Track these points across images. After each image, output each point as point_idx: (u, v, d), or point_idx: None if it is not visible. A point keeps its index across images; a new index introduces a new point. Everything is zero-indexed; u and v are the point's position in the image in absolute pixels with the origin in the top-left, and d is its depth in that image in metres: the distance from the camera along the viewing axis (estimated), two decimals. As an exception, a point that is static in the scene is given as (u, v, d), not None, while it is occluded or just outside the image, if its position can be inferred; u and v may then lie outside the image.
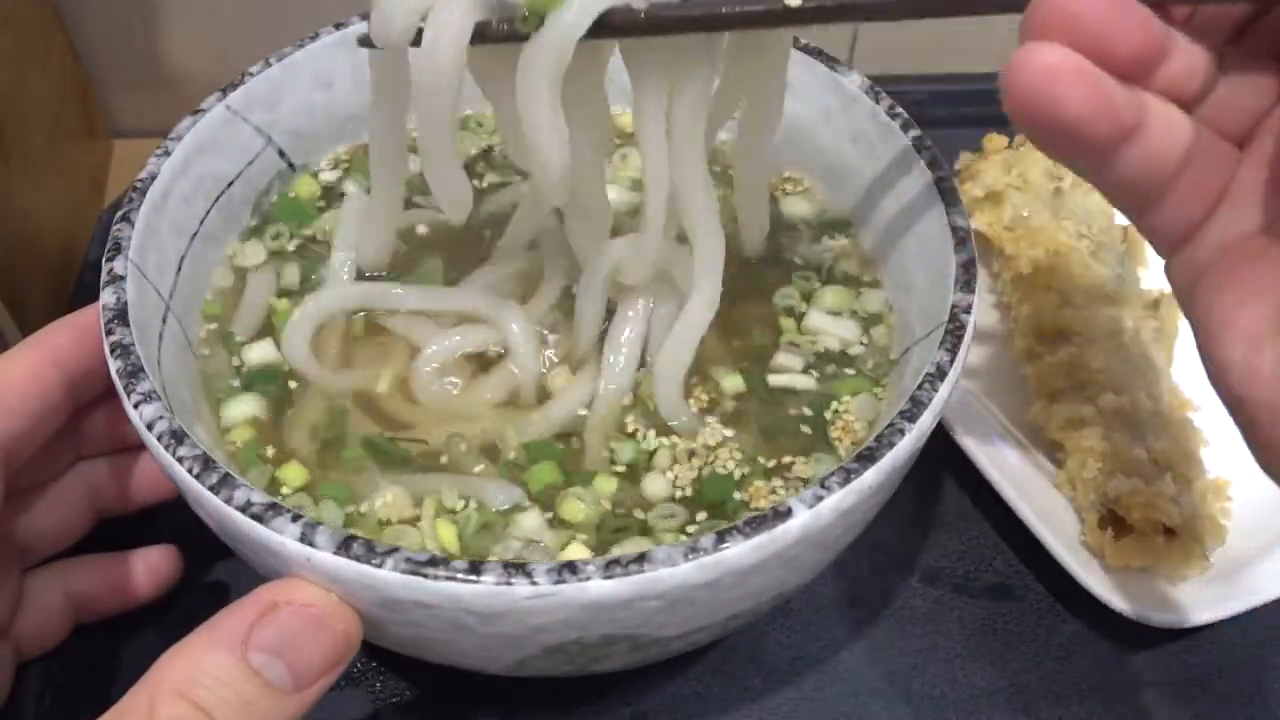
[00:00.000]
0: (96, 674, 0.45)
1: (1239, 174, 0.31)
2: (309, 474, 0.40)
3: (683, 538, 0.38)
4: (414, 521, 0.39)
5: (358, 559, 0.30)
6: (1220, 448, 0.49)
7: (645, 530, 0.39)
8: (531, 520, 0.39)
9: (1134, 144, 0.30)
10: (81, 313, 0.40)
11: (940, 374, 0.36)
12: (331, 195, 0.49)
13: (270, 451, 0.41)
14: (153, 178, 0.41)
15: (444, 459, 0.40)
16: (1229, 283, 0.31)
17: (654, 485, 0.40)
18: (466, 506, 0.39)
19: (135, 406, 0.35)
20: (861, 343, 0.45)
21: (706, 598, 0.32)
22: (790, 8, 0.34)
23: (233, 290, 0.45)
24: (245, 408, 0.42)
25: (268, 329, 0.44)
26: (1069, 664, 0.47)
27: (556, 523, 0.39)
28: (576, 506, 0.39)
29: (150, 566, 0.45)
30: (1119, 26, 0.29)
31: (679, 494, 0.40)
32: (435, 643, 0.34)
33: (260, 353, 0.43)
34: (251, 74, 0.46)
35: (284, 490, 0.40)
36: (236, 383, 0.42)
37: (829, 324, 0.45)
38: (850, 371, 0.44)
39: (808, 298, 0.46)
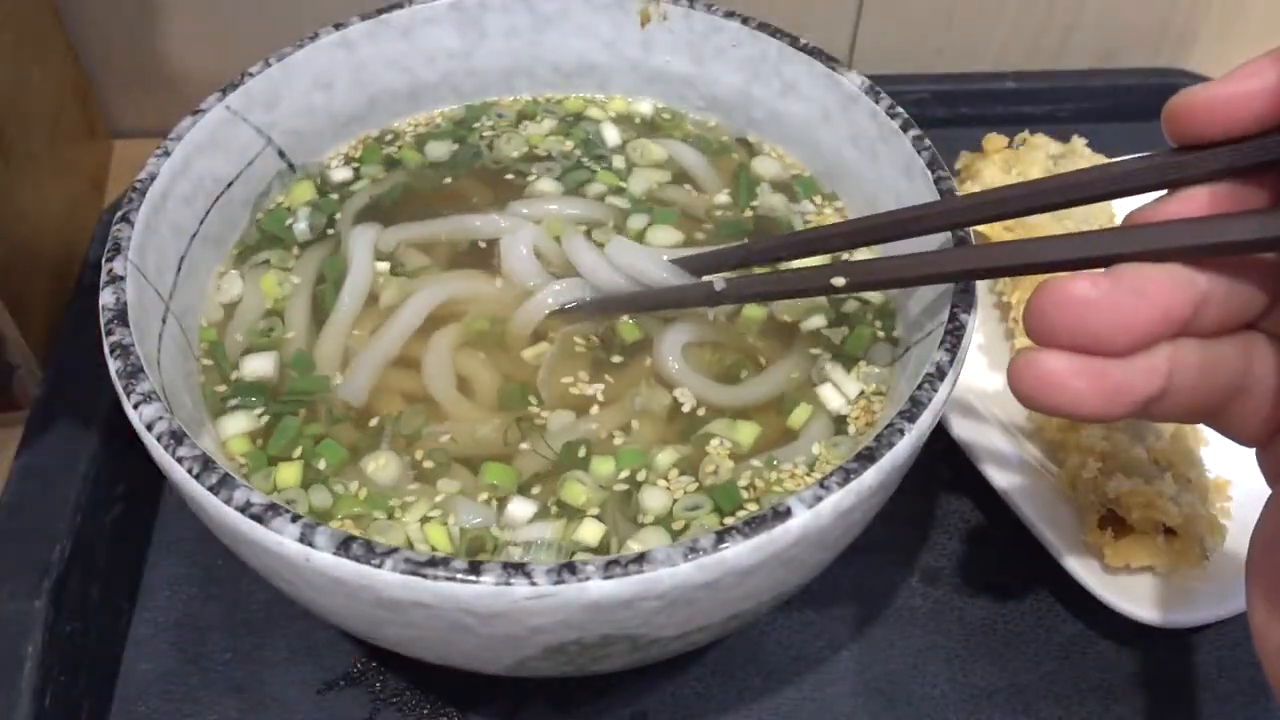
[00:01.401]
0: (96, 673, 0.45)
1: None
2: (302, 469, 0.40)
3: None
4: (397, 512, 0.39)
5: (357, 559, 0.30)
6: (1220, 448, 0.49)
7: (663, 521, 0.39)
8: (524, 514, 0.39)
9: (1164, 400, 0.30)
10: None
11: (940, 374, 0.36)
12: (340, 190, 0.49)
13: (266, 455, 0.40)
14: (152, 178, 0.41)
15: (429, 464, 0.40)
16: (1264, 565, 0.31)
17: (652, 499, 0.40)
18: (446, 520, 0.39)
19: (135, 407, 0.35)
20: (856, 299, 0.45)
21: (706, 598, 0.32)
22: (718, 292, 0.42)
23: (222, 322, 0.45)
24: (241, 419, 0.41)
25: (262, 345, 0.44)
26: (1069, 664, 0.47)
27: (558, 508, 0.39)
28: (578, 489, 0.39)
29: None
30: (1119, 320, 0.28)
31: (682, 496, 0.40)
32: (434, 643, 0.34)
33: (255, 366, 0.43)
34: (251, 74, 0.46)
35: (278, 484, 0.40)
36: (232, 396, 0.42)
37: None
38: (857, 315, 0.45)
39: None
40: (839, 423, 0.42)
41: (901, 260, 0.38)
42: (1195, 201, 0.30)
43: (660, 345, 0.44)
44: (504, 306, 0.45)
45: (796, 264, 0.44)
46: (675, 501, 0.39)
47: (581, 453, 0.40)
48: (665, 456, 0.40)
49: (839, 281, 0.38)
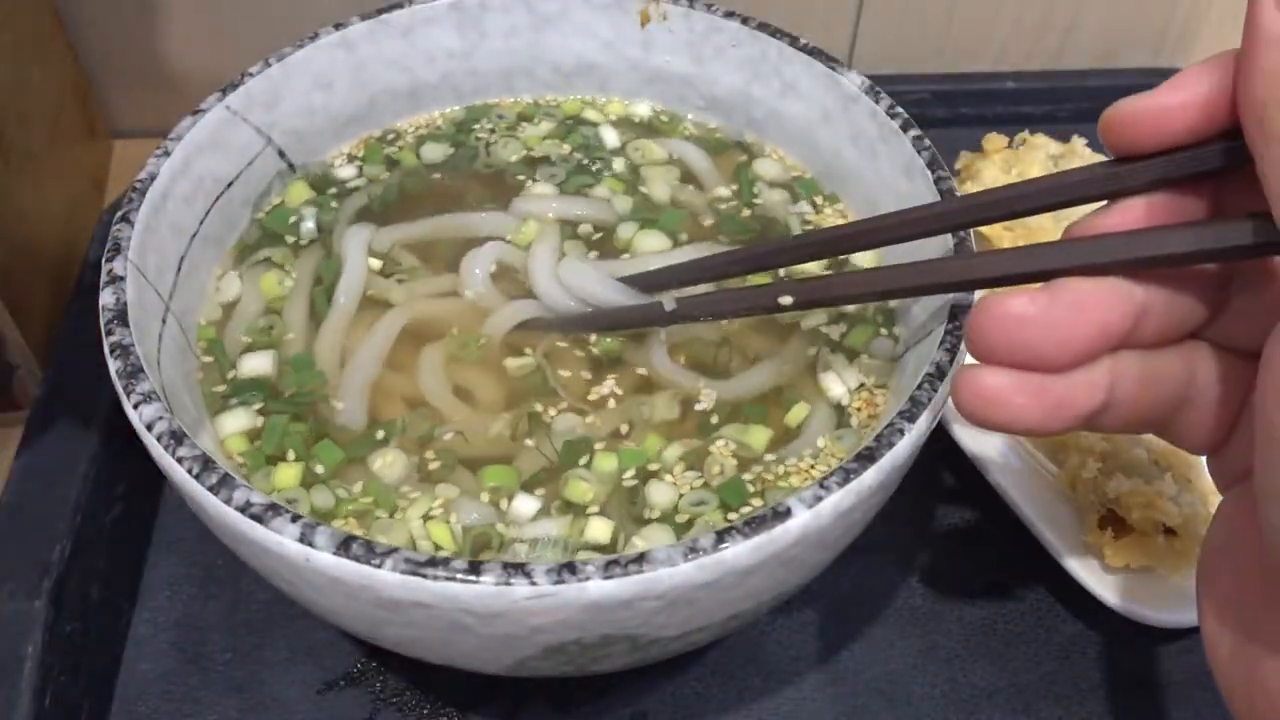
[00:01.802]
0: (96, 673, 0.45)
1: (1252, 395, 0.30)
2: (301, 470, 0.40)
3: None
4: (398, 512, 0.39)
5: (357, 559, 0.30)
6: (1220, 448, 0.49)
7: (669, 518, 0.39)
8: (528, 511, 0.39)
9: (1107, 413, 0.30)
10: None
11: (940, 374, 0.36)
12: (338, 191, 0.49)
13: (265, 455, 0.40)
14: (152, 178, 0.41)
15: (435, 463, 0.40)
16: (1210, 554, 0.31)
17: (658, 494, 0.39)
18: (449, 519, 0.39)
19: (135, 407, 0.35)
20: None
21: (706, 598, 0.32)
22: (669, 312, 0.42)
23: (221, 322, 0.45)
24: (240, 418, 0.41)
25: (261, 344, 0.44)
26: (1069, 664, 0.47)
27: (563, 507, 0.39)
28: (582, 487, 0.39)
29: None
30: (1058, 336, 0.29)
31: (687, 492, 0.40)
32: (434, 643, 0.34)
33: (253, 365, 0.43)
34: (251, 74, 0.46)
35: (277, 484, 0.39)
36: (230, 395, 0.42)
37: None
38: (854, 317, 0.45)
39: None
40: (840, 413, 0.42)
41: (849, 277, 0.38)
42: (1132, 213, 0.30)
43: (653, 342, 0.44)
44: (476, 323, 0.45)
45: (752, 279, 0.44)
46: (681, 496, 0.39)
47: (584, 459, 0.40)
48: (671, 452, 0.40)
49: (786, 300, 0.38)
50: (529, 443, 0.41)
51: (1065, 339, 0.29)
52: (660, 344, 0.44)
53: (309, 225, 0.48)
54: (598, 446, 0.41)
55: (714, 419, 0.42)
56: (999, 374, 0.29)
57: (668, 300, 0.42)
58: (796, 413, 0.42)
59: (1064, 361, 0.29)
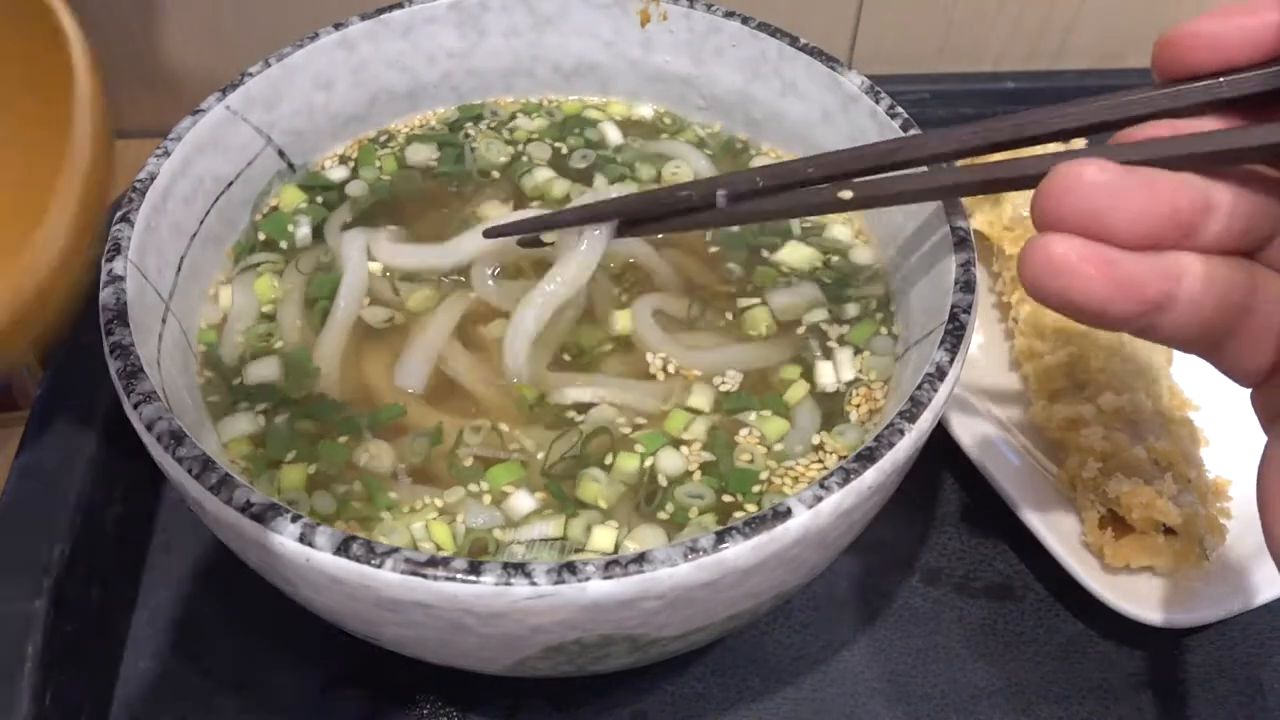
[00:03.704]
0: (96, 673, 0.45)
1: None
2: (304, 473, 0.40)
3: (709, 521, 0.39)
4: (395, 515, 0.39)
5: (357, 559, 0.30)
6: (1220, 448, 0.49)
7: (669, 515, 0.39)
8: (525, 508, 0.39)
9: (1170, 311, 0.29)
10: None
11: (940, 374, 0.36)
12: (337, 193, 0.49)
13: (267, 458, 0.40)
14: (152, 178, 0.41)
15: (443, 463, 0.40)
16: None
17: (668, 461, 0.40)
18: (453, 519, 0.39)
19: (135, 407, 0.35)
20: (856, 301, 0.46)
21: (706, 598, 0.32)
22: (722, 210, 0.39)
23: (220, 324, 0.45)
24: (242, 422, 0.41)
25: (265, 350, 0.44)
26: (1069, 664, 0.47)
27: (573, 505, 0.39)
28: (594, 488, 0.39)
29: None
30: (1129, 207, 0.28)
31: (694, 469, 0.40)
32: (434, 643, 0.34)
33: (258, 372, 0.43)
34: (251, 74, 0.46)
35: (282, 486, 0.40)
36: (233, 400, 0.42)
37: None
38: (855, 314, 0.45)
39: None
40: (838, 412, 0.42)
41: (910, 177, 0.38)
42: (1186, 127, 0.30)
43: (660, 333, 0.44)
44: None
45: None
46: (689, 474, 0.40)
47: (608, 458, 0.40)
48: (699, 426, 0.41)
49: (846, 195, 0.37)
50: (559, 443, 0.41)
51: (1136, 213, 0.28)
52: (668, 335, 0.44)
53: (304, 230, 0.48)
54: (638, 447, 0.41)
55: (724, 413, 0.42)
56: (1069, 240, 0.28)
57: (721, 198, 0.39)
58: (793, 403, 0.42)
59: (1133, 237, 0.28)
